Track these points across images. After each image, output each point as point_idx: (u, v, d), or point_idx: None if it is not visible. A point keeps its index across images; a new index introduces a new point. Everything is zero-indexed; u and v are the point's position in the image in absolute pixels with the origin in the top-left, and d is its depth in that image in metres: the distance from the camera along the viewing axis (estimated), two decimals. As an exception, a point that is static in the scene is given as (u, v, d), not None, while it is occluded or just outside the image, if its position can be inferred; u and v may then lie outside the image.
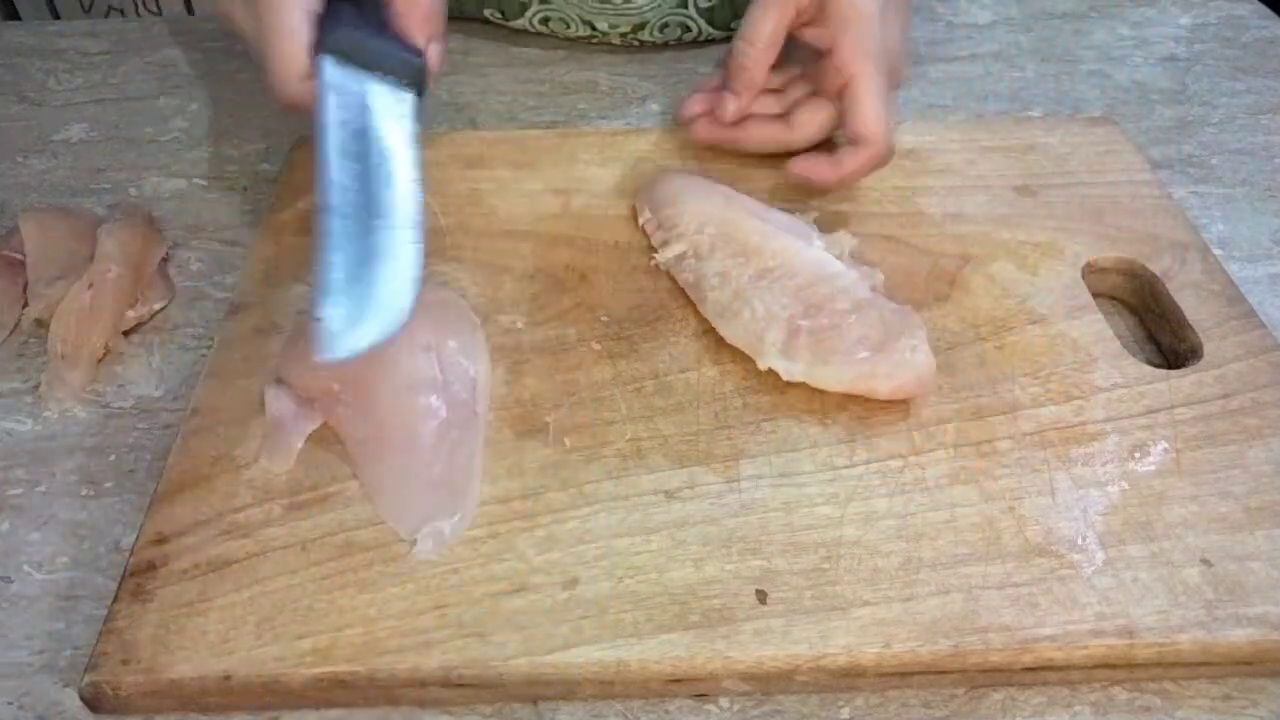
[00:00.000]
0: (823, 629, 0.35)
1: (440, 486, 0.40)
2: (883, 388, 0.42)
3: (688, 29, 0.69)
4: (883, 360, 0.42)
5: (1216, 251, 0.51)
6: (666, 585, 0.37)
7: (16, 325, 0.49)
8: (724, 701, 0.36)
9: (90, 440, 0.45)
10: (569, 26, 0.69)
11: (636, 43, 0.70)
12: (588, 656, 0.35)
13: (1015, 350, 0.46)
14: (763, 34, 0.52)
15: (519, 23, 0.70)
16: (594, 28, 0.69)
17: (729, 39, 0.71)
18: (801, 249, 0.48)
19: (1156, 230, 0.51)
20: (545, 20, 0.69)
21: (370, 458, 0.41)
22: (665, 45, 0.71)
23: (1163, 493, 0.40)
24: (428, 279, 0.49)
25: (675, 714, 0.36)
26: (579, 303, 0.48)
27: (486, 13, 0.70)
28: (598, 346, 0.46)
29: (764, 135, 0.54)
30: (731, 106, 0.53)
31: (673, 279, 0.49)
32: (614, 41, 0.70)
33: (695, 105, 0.55)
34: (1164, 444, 0.41)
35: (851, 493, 0.40)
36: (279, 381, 0.44)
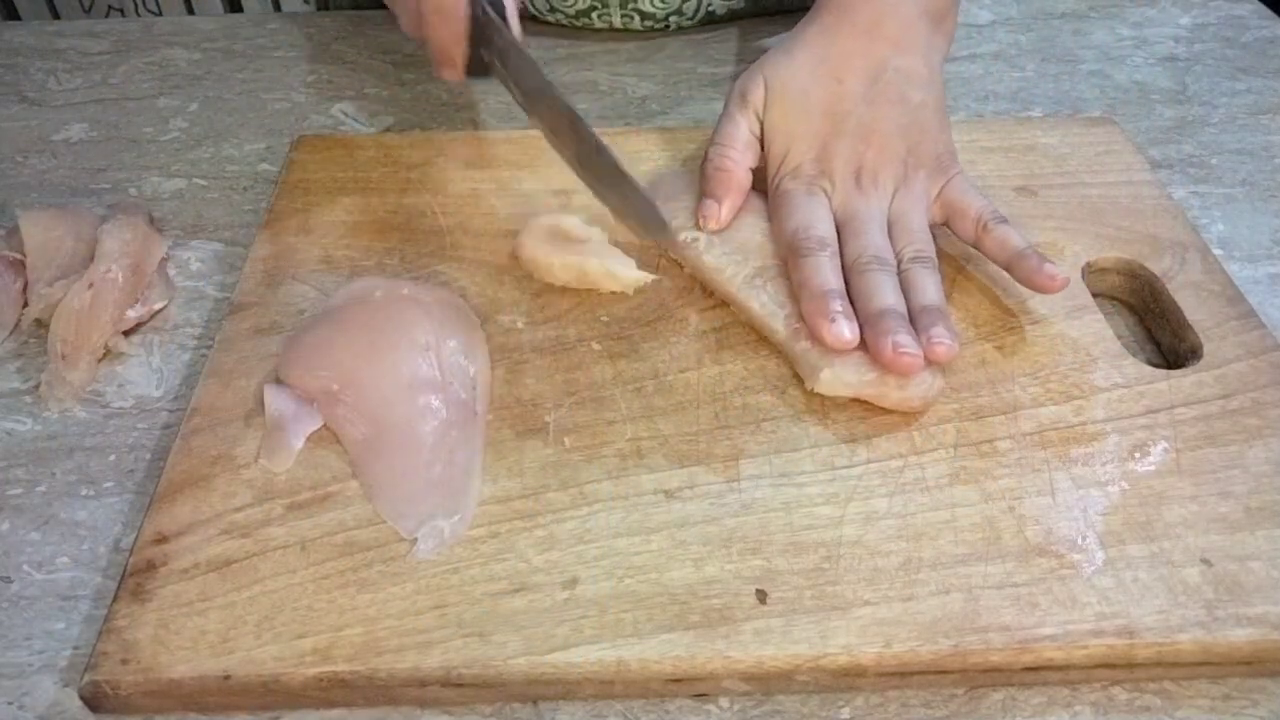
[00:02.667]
0: (823, 629, 0.35)
1: (440, 486, 0.40)
2: (892, 396, 0.42)
3: None
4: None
5: (1216, 251, 0.51)
6: (666, 585, 0.37)
7: (16, 325, 0.49)
8: (724, 701, 0.36)
9: (90, 440, 0.45)
10: (569, 1, 0.69)
11: (635, 14, 0.70)
12: (588, 656, 0.35)
13: (1015, 350, 0.46)
14: (738, 136, 0.51)
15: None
16: None
17: (729, 15, 0.72)
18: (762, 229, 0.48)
19: (1156, 230, 0.51)
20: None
21: (370, 458, 0.41)
22: (666, 26, 0.71)
23: (1163, 493, 0.40)
24: (428, 278, 0.49)
25: (675, 714, 0.36)
26: (579, 303, 0.48)
27: None
28: (598, 346, 0.46)
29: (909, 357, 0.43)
30: (714, 212, 0.49)
31: (672, 280, 0.49)
32: (613, 16, 0.70)
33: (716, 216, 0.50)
34: (1164, 444, 0.41)
35: (851, 493, 0.40)
36: (279, 381, 0.44)
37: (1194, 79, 0.68)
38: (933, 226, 0.49)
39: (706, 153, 0.51)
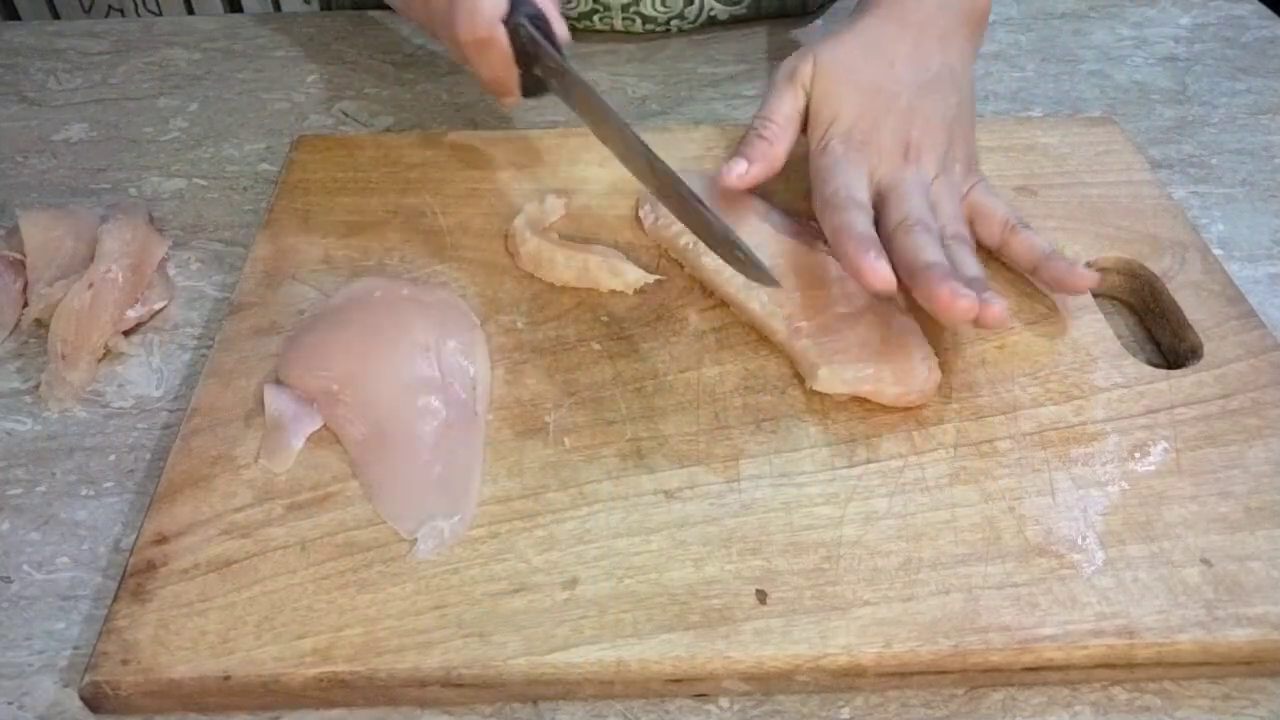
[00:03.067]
0: (823, 629, 0.35)
1: (440, 486, 0.40)
2: (889, 391, 0.42)
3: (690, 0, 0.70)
4: (891, 366, 0.42)
5: (1216, 251, 0.51)
6: (666, 585, 0.37)
7: (16, 325, 0.49)
8: (724, 701, 0.36)
9: (90, 440, 0.45)
10: (571, 3, 0.69)
11: (637, 17, 0.70)
12: (588, 656, 0.35)
13: (1015, 350, 0.46)
14: (781, 110, 0.50)
15: None
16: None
17: (731, 20, 0.72)
18: (803, 251, 0.48)
19: (1156, 230, 0.51)
20: None
21: (370, 458, 0.41)
22: (666, 29, 0.71)
23: (1163, 493, 0.40)
24: (428, 279, 0.49)
25: (675, 714, 0.36)
26: (579, 303, 0.48)
27: None
28: (598, 346, 0.46)
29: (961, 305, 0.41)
30: (740, 169, 0.49)
31: (672, 280, 0.49)
32: (614, 19, 0.70)
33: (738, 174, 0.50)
34: (1164, 444, 0.41)
35: (851, 493, 0.40)
36: (279, 381, 0.44)
37: (1194, 79, 0.68)
38: None
39: (751, 123, 0.51)
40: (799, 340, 0.44)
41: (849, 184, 0.47)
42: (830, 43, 0.52)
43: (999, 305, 0.41)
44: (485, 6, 0.47)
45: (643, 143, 0.47)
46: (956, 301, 0.40)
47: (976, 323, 0.41)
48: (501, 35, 0.48)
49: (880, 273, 0.41)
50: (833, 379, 0.42)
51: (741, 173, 0.49)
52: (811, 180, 0.49)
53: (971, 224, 0.49)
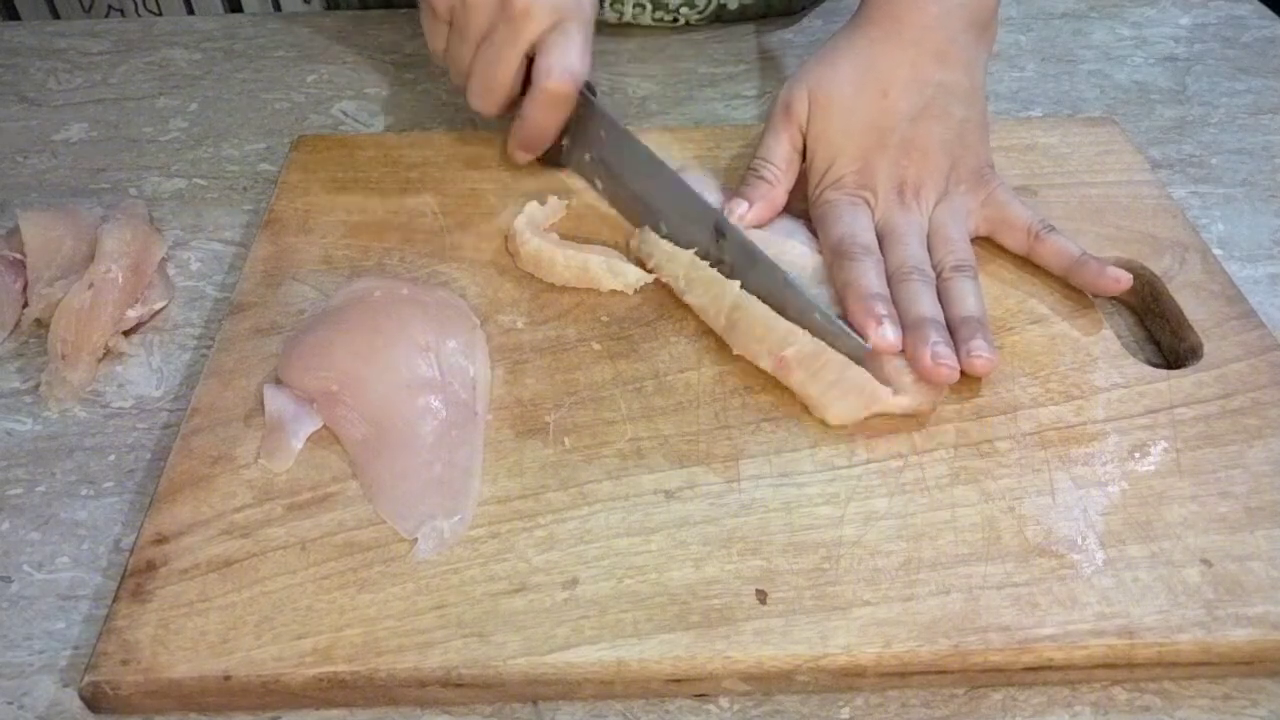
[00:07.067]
0: (823, 629, 0.35)
1: (440, 486, 0.40)
2: (902, 404, 0.42)
3: None
4: (900, 376, 0.42)
5: (1216, 251, 0.51)
6: (666, 585, 0.37)
7: (16, 325, 0.49)
8: (724, 701, 0.36)
9: (90, 440, 0.45)
10: None
11: (647, 4, 0.70)
12: (588, 656, 0.35)
13: (1015, 350, 0.46)
14: (780, 152, 0.51)
15: None
16: None
17: (739, 10, 0.72)
18: (797, 252, 0.48)
19: (1156, 230, 0.51)
20: None
21: (370, 458, 0.41)
22: (675, 18, 0.71)
23: (1163, 493, 0.40)
24: (428, 279, 0.49)
25: (675, 714, 0.36)
26: (579, 303, 0.48)
27: None
28: (598, 346, 0.46)
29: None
30: (741, 209, 0.49)
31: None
32: (625, 8, 0.70)
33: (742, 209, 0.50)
34: (1164, 444, 0.41)
35: (851, 493, 0.40)
36: (279, 381, 0.44)
37: (1194, 79, 0.68)
38: (973, 239, 0.49)
39: (750, 164, 0.51)
40: (791, 375, 0.43)
41: (853, 231, 0.48)
42: (824, 73, 0.51)
43: (984, 358, 0.42)
44: (583, 63, 0.50)
45: (715, 210, 0.48)
46: (938, 369, 0.42)
47: (965, 373, 0.42)
48: (577, 93, 0.50)
49: (885, 339, 0.43)
50: (846, 414, 0.42)
51: (742, 213, 0.49)
52: (815, 222, 0.50)
53: (995, 235, 0.50)
